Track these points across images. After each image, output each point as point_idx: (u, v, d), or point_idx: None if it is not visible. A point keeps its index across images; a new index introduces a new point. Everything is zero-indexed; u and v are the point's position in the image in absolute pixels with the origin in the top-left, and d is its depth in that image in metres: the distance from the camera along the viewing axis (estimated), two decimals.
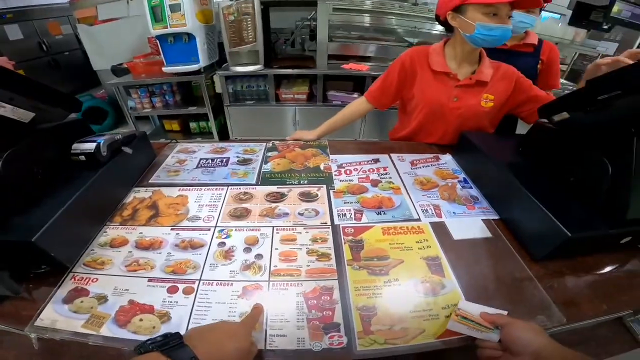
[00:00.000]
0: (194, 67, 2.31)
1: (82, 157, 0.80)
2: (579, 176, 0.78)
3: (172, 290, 0.63)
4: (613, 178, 0.69)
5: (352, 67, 2.49)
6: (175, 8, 2.00)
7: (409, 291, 0.65)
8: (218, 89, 2.57)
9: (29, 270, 0.66)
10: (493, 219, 0.85)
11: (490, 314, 0.56)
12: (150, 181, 0.98)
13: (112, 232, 0.77)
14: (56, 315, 0.58)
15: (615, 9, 1.84)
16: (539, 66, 1.48)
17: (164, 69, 2.31)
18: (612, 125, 0.73)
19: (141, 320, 0.57)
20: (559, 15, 2.34)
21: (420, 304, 0.63)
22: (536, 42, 1.44)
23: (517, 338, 0.51)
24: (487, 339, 0.54)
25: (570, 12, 2.08)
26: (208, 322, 0.55)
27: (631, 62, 0.79)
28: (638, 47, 2.18)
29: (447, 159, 1.11)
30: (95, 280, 0.65)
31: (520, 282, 0.68)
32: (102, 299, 0.61)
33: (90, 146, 0.81)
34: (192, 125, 2.94)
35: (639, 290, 0.69)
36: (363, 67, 2.47)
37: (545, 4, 1.38)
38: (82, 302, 0.60)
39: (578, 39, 2.15)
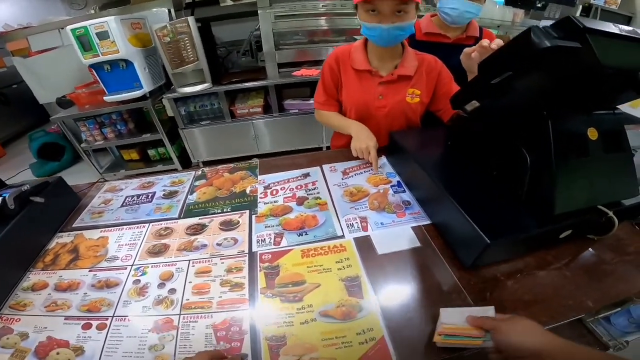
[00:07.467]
0: (137, 93, 2.20)
1: None
2: (501, 170, 0.74)
3: (86, 326, 0.66)
4: (533, 169, 0.64)
5: (303, 73, 2.45)
6: (103, 36, 1.91)
7: (322, 318, 0.62)
8: (170, 113, 2.48)
9: None
10: (424, 225, 0.81)
11: (478, 318, 0.52)
12: (73, 225, 0.97)
13: (34, 277, 0.79)
14: None
15: None
16: None
17: (105, 98, 2.20)
18: (523, 109, 0.69)
19: (58, 353, 0.61)
20: None
21: (333, 331, 0.59)
22: (478, 34, 1.31)
23: (507, 345, 0.46)
24: (482, 348, 0.50)
25: None
26: (119, 355, 0.60)
27: (494, 45, 0.76)
28: None
29: (382, 162, 1.06)
30: (18, 320, 0.69)
31: (448, 296, 0.63)
32: (24, 336, 0.65)
33: None
34: (151, 152, 2.85)
35: (591, 288, 0.62)
36: (314, 72, 2.43)
37: None
38: (7, 338, 0.66)
39: (518, 20, 2.15)
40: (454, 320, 0.53)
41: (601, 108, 0.67)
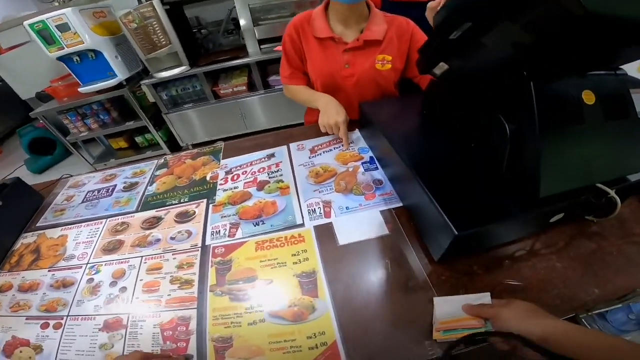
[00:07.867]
0: (112, 82, 2.11)
1: None
2: (480, 143, 0.63)
3: (44, 326, 0.67)
4: (514, 141, 0.53)
5: None
6: (63, 28, 1.80)
7: (272, 318, 0.57)
8: (151, 98, 2.38)
9: None
10: (395, 208, 0.72)
11: (474, 306, 0.48)
12: (37, 225, 0.95)
13: (1, 278, 0.79)
14: None
15: None
16: None
17: (80, 89, 2.13)
18: (499, 69, 0.58)
19: (21, 352, 0.63)
20: None
21: (282, 334, 0.54)
22: None
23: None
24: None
25: None
26: (72, 353, 0.60)
27: None
28: None
29: (354, 137, 0.97)
30: None
31: (413, 294, 0.56)
32: None
33: None
34: (139, 139, 2.79)
35: (587, 280, 0.54)
36: None
37: None
38: None
39: None
40: (450, 310, 0.49)
41: (599, 68, 0.54)
